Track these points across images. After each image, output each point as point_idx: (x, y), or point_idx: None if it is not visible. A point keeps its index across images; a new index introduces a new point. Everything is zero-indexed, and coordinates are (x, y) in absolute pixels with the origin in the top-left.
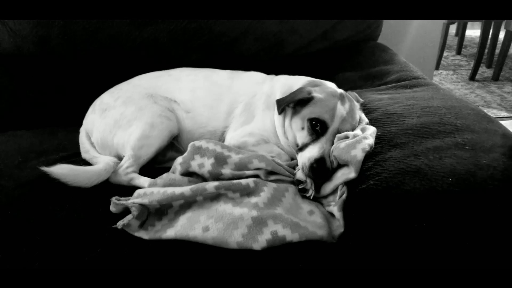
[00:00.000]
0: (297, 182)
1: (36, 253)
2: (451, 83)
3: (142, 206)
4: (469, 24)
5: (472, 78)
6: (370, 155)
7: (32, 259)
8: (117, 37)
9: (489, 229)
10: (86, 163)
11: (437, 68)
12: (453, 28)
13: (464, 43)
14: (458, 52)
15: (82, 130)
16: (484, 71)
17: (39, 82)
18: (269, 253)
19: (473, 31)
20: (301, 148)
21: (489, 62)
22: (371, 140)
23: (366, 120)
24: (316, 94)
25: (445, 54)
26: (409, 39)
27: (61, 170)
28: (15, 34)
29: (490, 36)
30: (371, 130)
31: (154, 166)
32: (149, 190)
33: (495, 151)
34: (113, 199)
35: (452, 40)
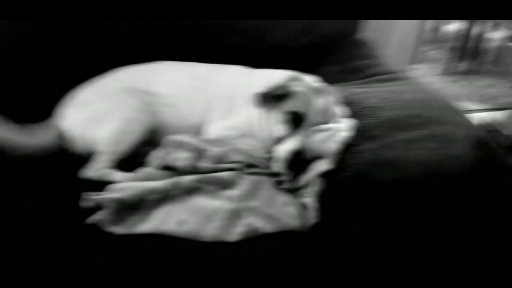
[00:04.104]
0: (273, 175)
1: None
2: (427, 77)
3: (115, 200)
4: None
5: (447, 72)
6: (346, 147)
7: None
8: (97, 28)
9: (458, 217)
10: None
11: (413, 62)
12: (429, 23)
13: (440, 37)
14: (434, 46)
15: (52, 122)
16: (458, 66)
17: (10, 77)
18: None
19: (451, 26)
20: (278, 141)
21: (463, 57)
22: (346, 133)
23: (342, 113)
24: (294, 88)
25: (421, 48)
26: (387, 33)
27: None
28: None
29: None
30: (347, 123)
31: (132, 161)
32: (123, 185)
33: (462, 143)
34: (84, 194)
35: (428, 34)
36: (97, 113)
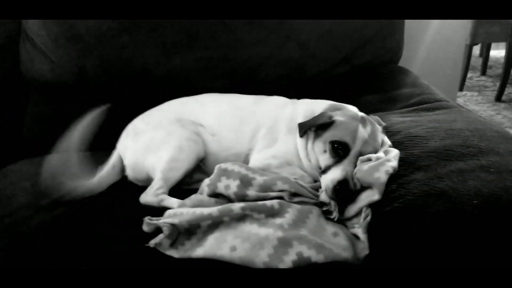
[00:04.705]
0: (320, 204)
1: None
2: (476, 104)
3: (173, 225)
4: (493, 44)
5: (498, 99)
6: (394, 177)
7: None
8: (149, 65)
9: None
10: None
11: (461, 89)
12: (476, 49)
13: (489, 63)
14: (483, 73)
15: (116, 152)
16: (511, 92)
17: (76, 110)
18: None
19: (498, 52)
20: (324, 171)
21: None
22: (394, 163)
23: (389, 142)
24: (338, 117)
25: (469, 75)
26: (431, 61)
27: None
28: (56, 65)
29: None
30: (394, 152)
31: (182, 188)
32: (179, 211)
33: None
34: (146, 219)
35: (476, 61)
36: (152, 143)
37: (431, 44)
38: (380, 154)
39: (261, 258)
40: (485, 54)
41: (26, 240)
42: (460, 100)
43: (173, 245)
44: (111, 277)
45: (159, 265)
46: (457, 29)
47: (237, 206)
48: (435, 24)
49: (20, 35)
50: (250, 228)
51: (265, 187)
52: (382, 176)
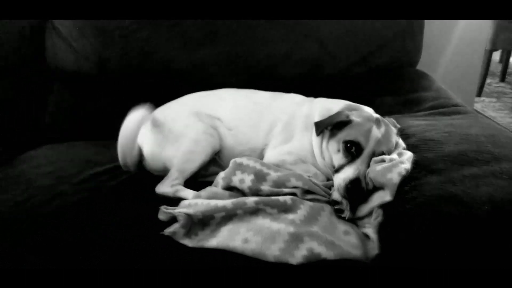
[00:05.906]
0: (333, 203)
1: (91, 255)
2: (494, 110)
3: (188, 215)
4: None
5: None
6: (407, 179)
7: (85, 261)
8: (169, 59)
9: None
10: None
11: (479, 95)
12: (496, 55)
13: (509, 70)
14: (502, 79)
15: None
16: None
17: (96, 99)
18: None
19: None
20: (337, 170)
21: None
22: (407, 165)
23: (403, 145)
24: (353, 117)
25: (488, 81)
26: (450, 66)
27: None
28: (79, 55)
29: None
30: (408, 155)
31: (197, 180)
32: (194, 201)
33: None
34: (162, 208)
35: (496, 67)
36: (169, 134)
37: (451, 49)
38: (394, 155)
39: (272, 251)
40: (505, 60)
41: (36, 232)
42: (478, 106)
43: (187, 234)
44: (119, 276)
45: (165, 263)
46: (478, 35)
47: (250, 200)
48: (455, 29)
49: (46, 25)
50: (263, 222)
51: (279, 183)
52: (394, 177)
